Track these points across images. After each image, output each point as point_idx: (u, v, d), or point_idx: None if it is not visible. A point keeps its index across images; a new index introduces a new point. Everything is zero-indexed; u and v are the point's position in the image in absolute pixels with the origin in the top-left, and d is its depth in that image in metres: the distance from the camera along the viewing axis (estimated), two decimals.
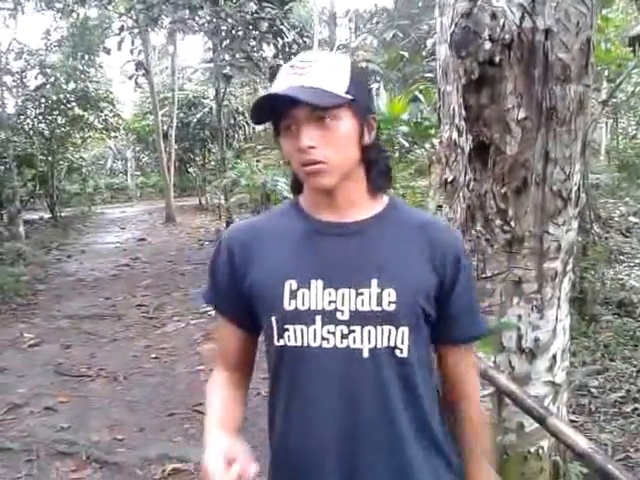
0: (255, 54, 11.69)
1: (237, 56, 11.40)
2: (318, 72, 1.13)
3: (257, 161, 12.28)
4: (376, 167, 1.24)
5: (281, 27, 11.21)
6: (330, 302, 1.17)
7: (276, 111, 1.15)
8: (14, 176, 14.00)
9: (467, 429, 1.33)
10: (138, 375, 5.37)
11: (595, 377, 4.39)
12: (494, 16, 2.12)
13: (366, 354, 1.16)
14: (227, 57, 11.64)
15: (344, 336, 1.17)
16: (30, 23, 47.17)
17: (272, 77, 12.09)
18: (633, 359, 4.67)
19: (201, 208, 20.87)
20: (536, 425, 1.94)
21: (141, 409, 4.60)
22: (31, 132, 17.34)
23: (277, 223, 1.30)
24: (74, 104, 17.28)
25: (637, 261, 7.35)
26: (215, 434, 1.18)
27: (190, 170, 23.68)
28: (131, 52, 16.38)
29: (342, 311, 1.17)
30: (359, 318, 1.16)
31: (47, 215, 18.45)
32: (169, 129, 19.25)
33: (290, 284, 1.19)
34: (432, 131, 4.72)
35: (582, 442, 1.63)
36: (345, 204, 1.22)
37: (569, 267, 2.50)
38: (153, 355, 5.88)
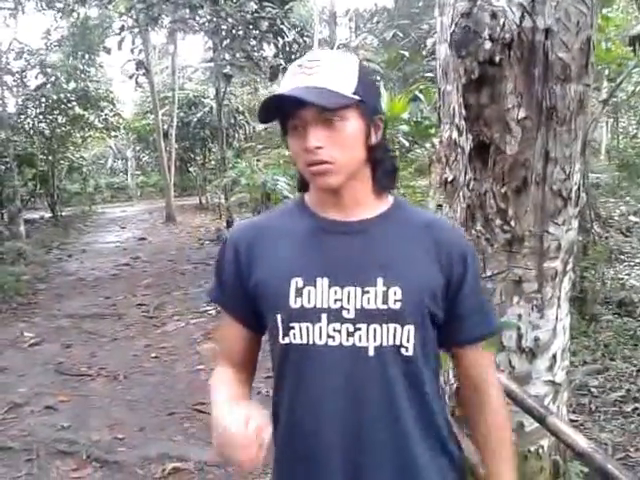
0: (255, 53, 11.68)
1: (237, 55, 11.39)
2: (326, 72, 1.13)
3: (257, 160, 12.27)
4: (382, 167, 1.24)
5: (281, 26, 11.20)
6: (336, 300, 1.17)
7: (283, 111, 1.15)
8: (15, 175, 14.00)
9: (490, 430, 1.30)
10: (138, 374, 5.37)
11: (595, 376, 4.39)
12: (494, 16, 2.12)
13: (372, 352, 1.16)
14: (227, 56, 11.63)
15: (350, 334, 1.17)
16: (30, 23, 47.18)
17: (272, 76, 12.12)
18: (633, 358, 4.67)
19: (201, 207, 20.88)
20: (536, 424, 1.94)
21: (141, 408, 4.61)
22: (31, 131, 17.35)
23: (283, 222, 1.30)
24: (74, 103, 17.29)
25: (637, 260, 7.36)
26: (228, 405, 1.15)
27: (190, 169, 23.68)
28: (131, 51, 16.39)
29: (348, 309, 1.17)
30: (365, 316, 1.16)
31: (48, 214, 18.46)
32: (169, 128, 19.24)
33: (296, 282, 1.19)
34: (432, 130, 4.72)
35: (582, 441, 1.64)
36: (351, 203, 1.22)
37: (569, 266, 2.50)
38: (153, 354, 5.89)
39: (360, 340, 1.16)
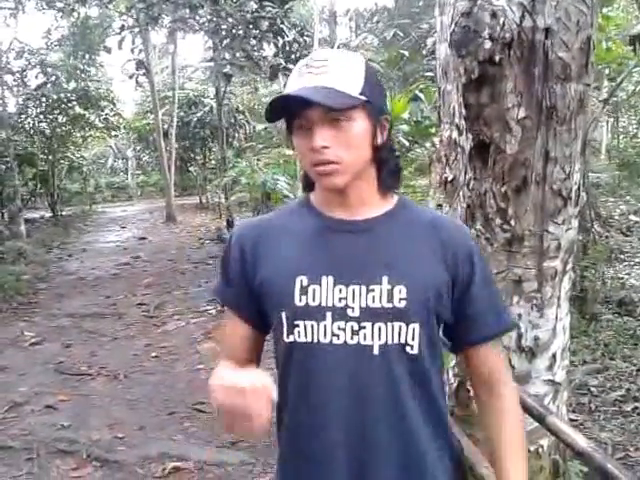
0: (255, 53, 11.66)
1: (237, 55, 11.38)
2: (333, 72, 1.13)
3: (257, 160, 12.28)
4: (387, 167, 1.24)
5: (281, 26, 11.18)
6: (341, 299, 1.17)
7: (290, 110, 1.15)
8: (15, 175, 14.01)
9: (502, 429, 1.28)
10: (138, 374, 5.38)
11: (595, 376, 4.40)
12: (494, 15, 2.12)
13: (376, 351, 1.16)
14: (227, 56, 11.62)
15: (354, 332, 1.16)
16: (31, 22, 47.16)
17: (272, 76, 12.10)
18: (633, 358, 4.67)
19: (202, 207, 20.88)
20: (536, 424, 1.94)
21: (141, 408, 4.61)
22: (32, 131, 17.36)
23: (288, 220, 1.30)
24: (75, 103, 17.30)
25: (637, 260, 7.36)
26: (232, 368, 1.09)
27: (191, 169, 23.68)
28: (132, 51, 16.37)
29: (352, 307, 1.17)
30: (369, 314, 1.16)
31: (48, 214, 18.48)
32: (169, 128, 19.24)
33: (301, 280, 1.19)
34: (432, 130, 4.73)
35: (581, 441, 1.64)
36: (356, 203, 1.22)
37: (569, 266, 2.50)
38: (153, 354, 5.89)
39: (365, 339, 1.16)
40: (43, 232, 15.19)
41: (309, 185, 1.31)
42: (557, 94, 2.18)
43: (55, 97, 16.66)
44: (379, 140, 1.20)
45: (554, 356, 2.50)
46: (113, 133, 21.47)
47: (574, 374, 4.12)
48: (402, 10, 18.91)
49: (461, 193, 2.49)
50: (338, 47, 15.40)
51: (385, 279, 1.17)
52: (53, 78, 16.63)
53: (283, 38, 11.51)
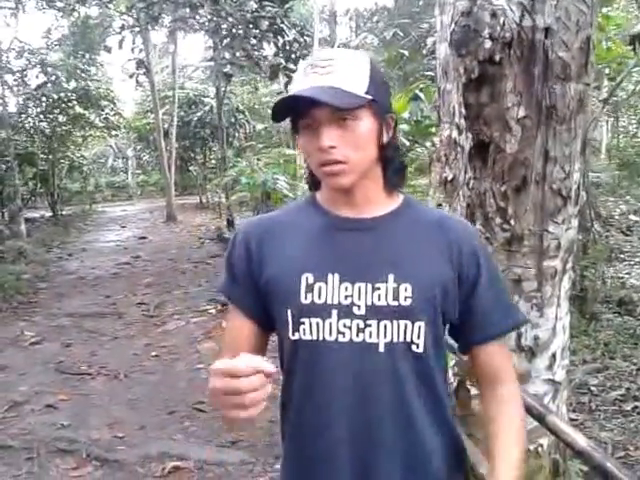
0: (255, 52, 11.66)
1: (237, 55, 11.37)
2: (338, 71, 1.13)
3: (257, 159, 12.29)
4: (392, 165, 1.24)
5: (281, 26, 11.18)
6: (346, 296, 1.17)
7: (296, 110, 1.15)
8: (15, 174, 14.02)
9: (500, 417, 1.26)
10: (138, 373, 5.38)
11: (595, 375, 4.40)
12: (494, 15, 2.12)
13: (382, 348, 1.16)
14: (227, 56, 11.62)
15: (360, 330, 1.16)
16: (31, 22, 47.24)
17: (272, 75, 12.10)
18: (633, 357, 4.67)
19: (202, 206, 20.90)
20: (535, 423, 1.93)
21: (141, 407, 4.61)
22: (32, 131, 17.38)
23: (294, 218, 1.30)
24: (75, 103, 17.32)
25: (637, 259, 7.36)
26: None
27: (191, 168, 23.71)
28: (132, 51, 16.38)
29: (358, 305, 1.17)
30: (375, 312, 1.16)
31: (48, 213, 18.49)
32: (170, 127, 19.26)
33: (307, 278, 1.19)
34: (432, 129, 4.72)
35: (581, 440, 1.63)
36: (363, 201, 1.23)
37: (569, 265, 2.50)
38: (153, 353, 5.89)
39: (370, 336, 1.16)
40: (43, 231, 15.20)
41: (315, 184, 1.31)
42: (557, 94, 2.19)
43: (55, 97, 16.68)
44: (385, 138, 1.20)
45: (554, 355, 2.50)
46: (113, 133, 21.49)
47: (574, 373, 4.12)
48: (402, 10, 18.92)
49: (461, 192, 2.49)
50: (338, 47, 15.41)
51: (391, 277, 1.17)
52: (53, 78, 16.64)
53: (283, 38, 11.51)
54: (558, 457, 2.59)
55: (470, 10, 2.16)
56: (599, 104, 7.83)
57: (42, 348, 6.23)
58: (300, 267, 1.20)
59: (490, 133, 2.28)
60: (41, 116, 17.45)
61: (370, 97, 1.13)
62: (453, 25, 2.24)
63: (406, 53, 14.24)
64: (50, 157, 17.89)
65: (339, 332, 1.17)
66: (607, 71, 6.85)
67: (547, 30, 2.12)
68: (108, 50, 17.80)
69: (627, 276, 6.61)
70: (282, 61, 11.57)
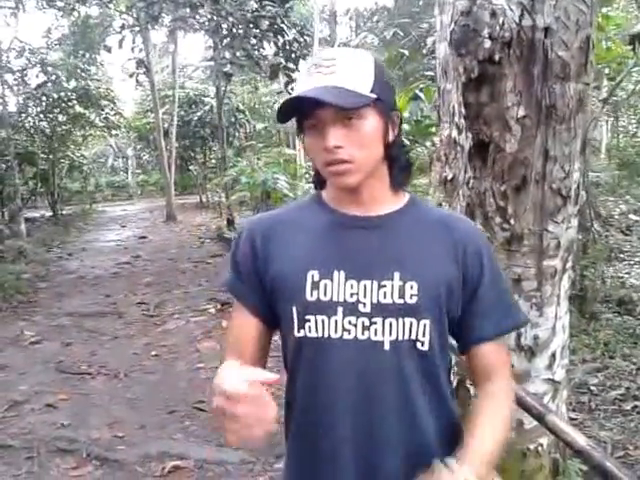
0: (256, 52, 11.67)
1: (238, 54, 11.37)
2: (342, 71, 1.13)
3: (258, 159, 12.31)
4: (398, 164, 1.24)
5: (282, 25, 11.19)
6: (352, 294, 1.17)
7: (301, 111, 1.15)
8: (15, 174, 14.03)
9: (486, 405, 1.24)
10: (138, 373, 5.38)
11: (595, 375, 4.39)
12: (494, 14, 2.12)
13: (387, 346, 1.16)
14: (228, 55, 11.62)
15: (365, 328, 1.16)
16: (31, 21, 47.19)
17: (272, 75, 12.11)
18: (633, 357, 4.67)
19: (202, 206, 20.91)
20: (535, 423, 1.94)
21: (141, 406, 4.61)
22: (32, 130, 17.38)
23: (299, 216, 1.30)
24: (75, 102, 17.32)
25: (637, 259, 7.36)
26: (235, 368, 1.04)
27: (191, 168, 23.72)
28: (132, 50, 16.39)
29: (364, 303, 1.16)
30: (381, 310, 1.16)
31: (48, 213, 18.49)
32: (170, 127, 19.27)
33: (312, 275, 1.19)
34: (432, 129, 4.72)
35: (581, 439, 1.64)
36: (369, 200, 1.23)
37: (569, 265, 2.51)
38: (153, 353, 5.89)
39: (376, 334, 1.16)
40: (43, 231, 15.20)
41: (320, 183, 1.31)
42: (556, 93, 2.19)
43: (55, 96, 16.68)
44: (390, 137, 1.20)
45: (554, 355, 2.51)
46: (113, 132, 21.49)
47: (574, 373, 4.12)
48: (402, 9, 18.92)
49: (461, 192, 2.49)
50: (338, 46, 15.40)
51: (397, 275, 1.17)
52: (53, 77, 16.65)
53: (283, 37, 11.52)
54: (558, 456, 2.60)
55: (470, 10, 2.16)
56: (599, 104, 7.83)
57: (42, 347, 6.22)
58: (306, 264, 1.20)
59: (490, 133, 2.28)
60: (41, 115, 17.45)
61: (375, 96, 1.13)
62: (453, 25, 2.24)
63: (406, 53, 14.23)
64: (50, 156, 17.89)
65: (344, 330, 1.17)
66: (607, 71, 6.85)
67: (547, 30, 2.12)
68: (108, 50, 17.80)
69: (627, 276, 6.60)
70: (282, 61, 11.59)
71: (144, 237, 14.68)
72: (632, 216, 9.38)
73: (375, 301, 1.16)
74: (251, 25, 11.08)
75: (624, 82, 8.22)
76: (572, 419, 3.55)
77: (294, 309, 1.20)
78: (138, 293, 8.60)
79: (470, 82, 2.25)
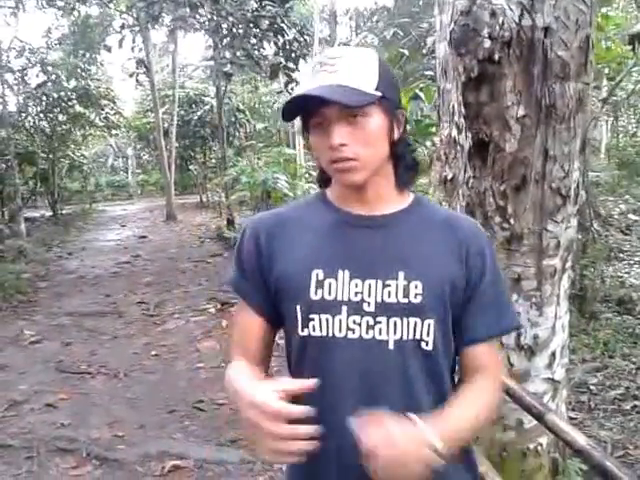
0: (256, 52, 11.67)
1: (238, 54, 11.38)
2: (347, 69, 1.13)
3: (258, 159, 12.31)
4: (404, 162, 1.24)
5: (282, 25, 11.19)
6: (356, 293, 1.17)
7: (307, 109, 1.15)
8: (15, 174, 14.03)
9: (468, 394, 1.21)
10: (138, 372, 5.38)
11: (594, 374, 4.39)
12: (493, 14, 2.12)
13: (392, 346, 1.16)
14: (228, 55, 11.62)
15: (370, 327, 1.16)
16: (31, 21, 47.19)
17: (273, 75, 12.11)
18: (632, 356, 4.67)
19: (202, 206, 20.91)
20: (535, 422, 1.94)
21: (141, 406, 4.61)
22: (32, 130, 17.39)
23: (303, 214, 1.30)
24: (75, 102, 17.33)
25: (637, 259, 7.36)
26: (257, 382, 1.09)
27: (191, 168, 23.71)
28: (132, 50, 16.39)
29: (368, 302, 1.16)
30: (385, 309, 1.16)
31: (48, 213, 18.50)
32: (170, 127, 19.27)
33: (317, 274, 1.19)
34: (432, 129, 4.72)
35: (581, 439, 1.64)
36: (374, 199, 1.23)
37: (568, 264, 2.51)
38: (153, 352, 5.89)
39: (380, 333, 1.16)
40: (43, 231, 15.20)
41: (325, 181, 1.31)
42: (556, 93, 2.19)
43: (55, 96, 16.68)
44: (395, 135, 1.20)
45: (553, 354, 2.51)
46: (113, 132, 21.50)
47: (573, 372, 4.13)
48: (402, 9, 18.90)
49: (460, 191, 2.50)
50: (338, 46, 15.40)
51: (401, 274, 1.17)
52: (53, 77, 16.66)
53: (283, 37, 11.52)
54: (557, 456, 2.60)
55: (469, 9, 2.16)
56: (598, 103, 7.84)
57: (42, 347, 6.22)
58: (310, 263, 1.20)
59: (490, 132, 2.28)
60: (41, 115, 17.47)
61: (379, 94, 1.13)
62: (452, 24, 2.24)
63: (406, 52, 14.21)
64: (50, 156, 17.89)
65: (349, 329, 1.17)
66: (606, 71, 6.85)
67: (546, 29, 2.12)
68: (108, 49, 17.82)
69: (626, 275, 6.60)
70: (282, 60, 11.59)
71: (144, 237, 14.68)
72: (631, 216, 9.37)
73: (379, 300, 1.16)
74: (251, 25, 11.08)
75: (624, 82, 8.23)
76: (572, 418, 3.55)
77: (298, 308, 1.20)
78: (138, 293, 8.60)
79: (470, 82, 2.25)
